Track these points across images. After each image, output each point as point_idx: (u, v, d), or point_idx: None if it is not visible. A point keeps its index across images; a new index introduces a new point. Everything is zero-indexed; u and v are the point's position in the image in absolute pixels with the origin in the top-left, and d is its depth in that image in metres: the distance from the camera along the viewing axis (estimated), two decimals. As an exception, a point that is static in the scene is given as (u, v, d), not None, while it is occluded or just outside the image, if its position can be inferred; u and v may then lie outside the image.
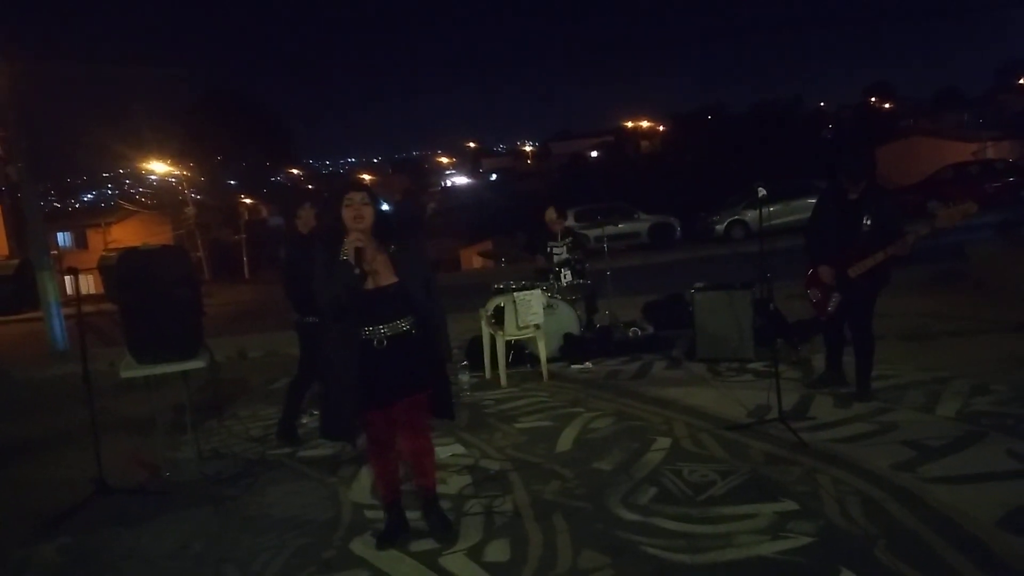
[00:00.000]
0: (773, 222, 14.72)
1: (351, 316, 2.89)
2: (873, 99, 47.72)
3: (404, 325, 2.96)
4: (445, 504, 3.37)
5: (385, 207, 3.15)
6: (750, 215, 18.46)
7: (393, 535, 3.16)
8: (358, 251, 2.81)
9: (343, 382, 2.92)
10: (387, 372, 2.94)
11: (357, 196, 2.91)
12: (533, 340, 5.91)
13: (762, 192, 4.37)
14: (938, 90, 52.90)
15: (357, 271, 2.79)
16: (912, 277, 8.46)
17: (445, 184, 63.91)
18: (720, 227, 19.12)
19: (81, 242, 29.33)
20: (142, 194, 51.24)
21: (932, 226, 4.13)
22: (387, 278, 2.95)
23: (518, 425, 4.68)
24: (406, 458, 3.21)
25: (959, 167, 19.94)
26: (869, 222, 4.27)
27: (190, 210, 27.49)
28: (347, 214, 2.90)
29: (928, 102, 49.73)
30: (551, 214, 6.86)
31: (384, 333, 2.93)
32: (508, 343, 5.94)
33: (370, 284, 2.91)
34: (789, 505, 3.17)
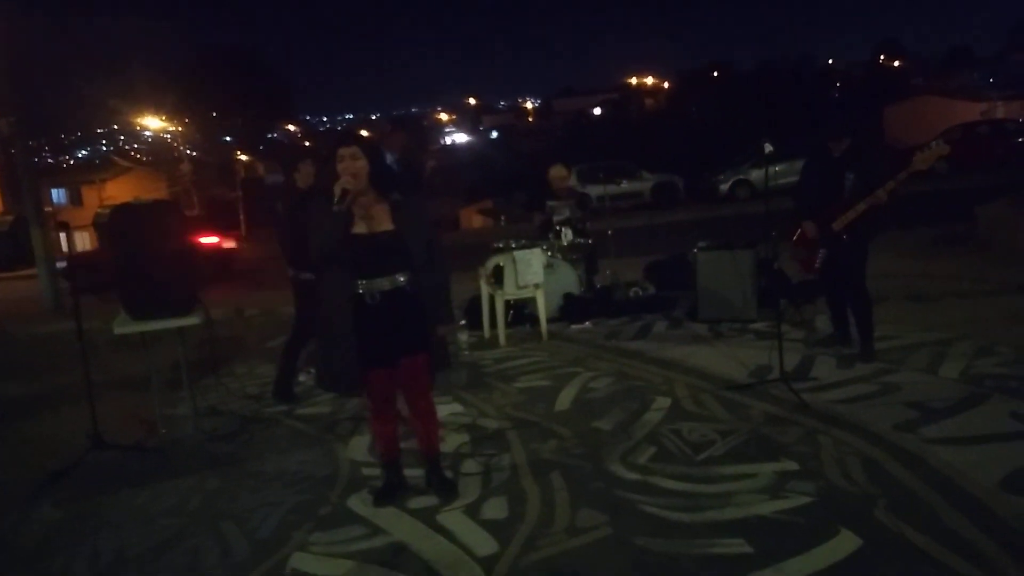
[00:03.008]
0: (778, 182, 14.63)
1: (343, 263, 2.84)
2: (883, 57, 46.61)
3: (398, 280, 2.89)
4: (443, 462, 3.35)
5: (387, 157, 3.08)
6: (754, 175, 18.29)
7: (391, 492, 3.15)
8: (344, 192, 2.76)
9: (339, 333, 2.88)
10: (386, 330, 2.89)
11: (347, 152, 2.83)
12: (533, 300, 5.84)
13: (768, 148, 4.25)
14: (950, 48, 51.73)
15: (337, 207, 2.74)
16: (919, 238, 8.37)
17: (444, 142, 63.04)
18: (724, 187, 19.00)
19: (76, 199, 29.05)
20: (137, 150, 50.58)
21: (908, 170, 4.16)
22: (382, 225, 2.88)
23: (517, 384, 4.66)
24: (411, 422, 3.18)
25: (968, 127, 19.60)
26: (854, 177, 4.28)
27: (186, 167, 27.12)
28: (339, 170, 2.83)
29: (939, 60, 48.65)
30: (559, 171, 6.68)
31: (376, 288, 2.86)
32: (507, 302, 5.87)
33: (364, 228, 2.85)
34: (789, 465, 3.15)
